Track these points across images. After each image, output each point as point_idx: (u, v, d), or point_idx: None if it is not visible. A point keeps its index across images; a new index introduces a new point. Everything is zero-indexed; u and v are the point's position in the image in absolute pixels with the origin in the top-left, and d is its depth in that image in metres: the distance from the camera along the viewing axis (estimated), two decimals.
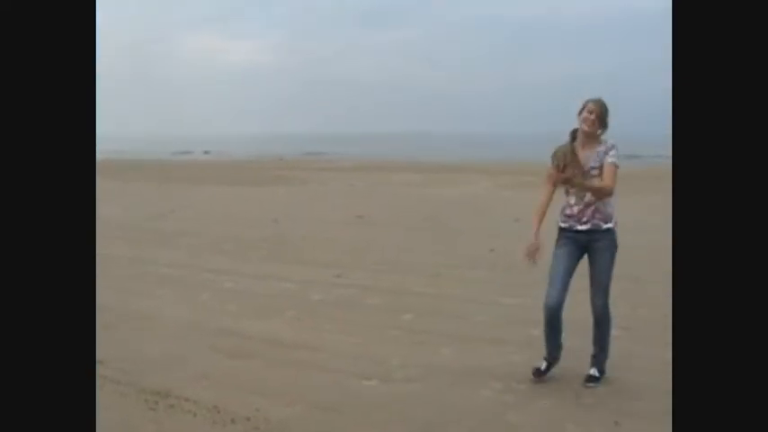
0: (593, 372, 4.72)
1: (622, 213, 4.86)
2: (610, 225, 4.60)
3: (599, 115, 4.55)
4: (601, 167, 4.53)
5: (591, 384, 4.65)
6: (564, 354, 5.05)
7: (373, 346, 5.51)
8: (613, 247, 4.63)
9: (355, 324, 6.14)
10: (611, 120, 4.63)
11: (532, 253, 4.58)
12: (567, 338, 5.10)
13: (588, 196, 4.56)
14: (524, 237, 4.72)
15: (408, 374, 4.87)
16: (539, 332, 5.34)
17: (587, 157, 4.57)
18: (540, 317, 5.11)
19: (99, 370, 4.32)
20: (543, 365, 4.83)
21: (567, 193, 4.68)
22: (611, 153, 4.53)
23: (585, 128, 4.55)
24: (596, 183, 4.53)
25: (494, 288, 7.42)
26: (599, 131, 4.60)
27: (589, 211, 4.58)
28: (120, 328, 5.93)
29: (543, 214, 4.69)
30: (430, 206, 16.04)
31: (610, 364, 4.87)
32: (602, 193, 4.53)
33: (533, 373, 4.79)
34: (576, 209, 4.62)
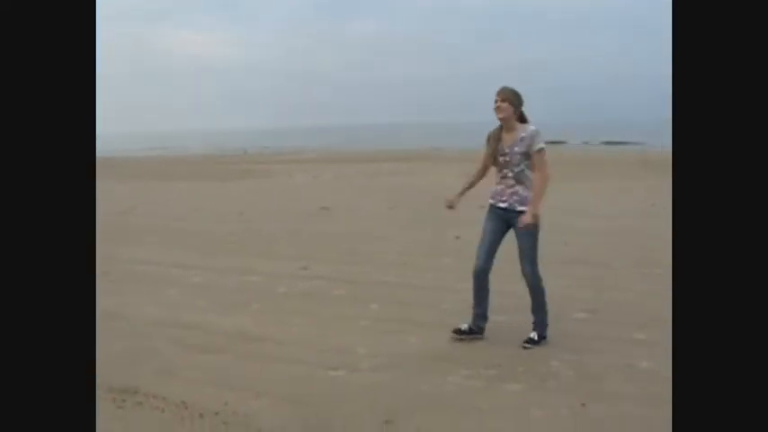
0: (533, 335, 5.15)
1: (576, 199, 4.93)
2: (524, 208, 4.97)
3: (505, 99, 4.96)
4: (524, 153, 4.95)
5: (527, 345, 5.08)
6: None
7: (340, 336, 5.52)
8: (532, 224, 4.95)
9: (321, 316, 6.13)
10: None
11: (450, 202, 5.38)
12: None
13: (511, 182, 5.02)
14: None
15: (375, 364, 4.89)
16: (504, 318, 5.41)
17: (510, 140, 5.03)
18: (505, 302, 5.20)
19: None
20: (464, 327, 5.27)
21: (497, 174, 5.15)
22: (537, 140, 4.93)
23: (499, 115, 4.99)
24: (536, 189, 4.95)
25: (459, 275, 7.44)
26: (513, 114, 4.99)
27: (508, 193, 5.04)
28: None
29: (471, 185, 5.34)
30: (395, 195, 16.07)
31: (575, 347, 4.98)
32: (545, 186, 4.97)
33: (453, 331, 5.26)
34: (499, 188, 5.16)
